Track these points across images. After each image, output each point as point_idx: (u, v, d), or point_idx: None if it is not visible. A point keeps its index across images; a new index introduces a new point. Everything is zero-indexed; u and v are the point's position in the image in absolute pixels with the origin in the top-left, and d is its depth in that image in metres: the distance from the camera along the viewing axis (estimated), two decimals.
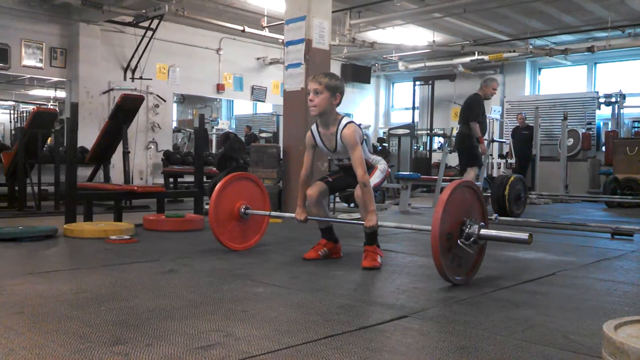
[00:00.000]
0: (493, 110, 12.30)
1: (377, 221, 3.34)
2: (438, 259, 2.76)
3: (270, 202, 6.02)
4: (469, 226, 2.91)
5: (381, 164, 3.60)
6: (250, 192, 4.03)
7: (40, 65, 10.36)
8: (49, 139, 8.24)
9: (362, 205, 3.39)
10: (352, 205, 8.11)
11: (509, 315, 2.36)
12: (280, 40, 10.61)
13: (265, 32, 11.37)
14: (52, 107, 16.04)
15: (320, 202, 3.63)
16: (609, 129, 12.49)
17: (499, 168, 11.23)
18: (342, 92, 3.45)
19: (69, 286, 2.77)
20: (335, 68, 14.20)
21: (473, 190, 3.07)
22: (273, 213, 4.10)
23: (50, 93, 17.00)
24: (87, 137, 8.64)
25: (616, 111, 12.52)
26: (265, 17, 10.91)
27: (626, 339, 1.45)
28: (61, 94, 14.15)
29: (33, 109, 9.86)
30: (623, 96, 12.41)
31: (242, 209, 3.91)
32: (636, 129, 12.64)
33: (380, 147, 12.34)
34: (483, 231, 2.93)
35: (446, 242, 2.82)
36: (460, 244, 2.88)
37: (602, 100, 12.62)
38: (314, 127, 3.54)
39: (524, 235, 2.90)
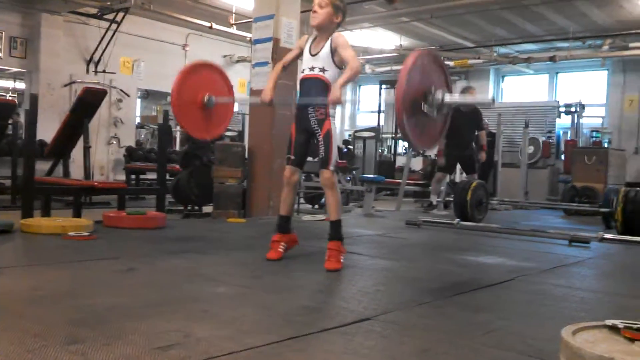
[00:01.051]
0: None
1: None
2: (402, 122, 2.81)
3: (233, 201, 5.98)
4: (433, 92, 2.96)
5: (333, 123, 3.49)
6: (213, 83, 4.04)
7: None
8: (6, 130, 8.01)
9: (329, 198, 3.47)
10: (316, 207, 8.13)
11: (469, 319, 2.39)
12: (248, 38, 10.55)
13: (233, 30, 11.29)
14: (10, 98, 15.62)
15: (296, 187, 3.63)
16: (569, 138, 12.77)
17: (461, 173, 11.38)
18: (344, 14, 3.56)
19: (25, 283, 2.69)
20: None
21: (437, 60, 3.12)
22: (238, 98, 4.16)
23: (9, 84, 16.53)
24: (47, 131, 8.42)
25: (575, 120, 12.82)
26: (234, 15, 10.84)
27: (583, 344, 1.48)
28: (21, 85, 13.78)
29: None
30: (582, 106, 12.71)
31: (206, 98, 3.91)
32: (594, 139, 12.96)
33: (345, 149, 12.39)
34: (447, 97, 2.97)
35: (410, 107, 2.86)
36: (425, 109, 2.92)
37: (562, 109, 12.91)
38: (310, 38, 3.59)
39: (487, 99, 3.02)
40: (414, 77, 2.88)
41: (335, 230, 3.48)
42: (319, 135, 3.48)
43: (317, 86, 3.47)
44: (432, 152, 14.14)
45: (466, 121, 7.77)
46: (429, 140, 3.09)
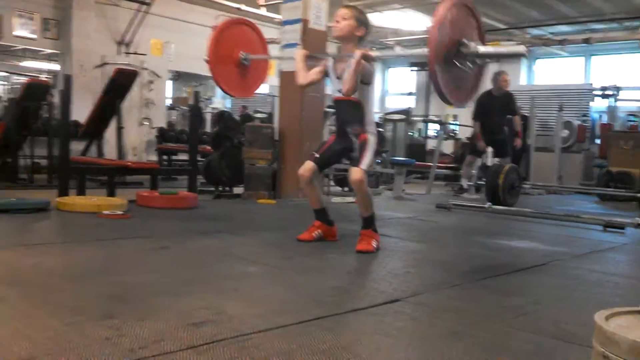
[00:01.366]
0: None
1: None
2: (435, 76, 2.74)
3: (264, 183, 6.02)
4: (466, 45, 2.87)
5: (373, 135, 3.46)
6: (249, 40, 4.04)
7: (33, 36, 10.22)
8: (41, 111, 8.17)
9: (358, 197, 3.42)
10: (346, 189, 8.12)
11: (500, 302, 2.37)
12: (277, 20, 10.52)
13: (262, 11, 11.25)
14: (45, 79, 15.89)
15: (313, 182, 3.57)
16: (604, 122, 12.50)
17: (493, 157, 11.24)
18: (367, 28, 3.49)
19: (61, 259, 2.75)
20: (331, 50, 14.12)
21: (470, 10, 3.01)
22: (273, 57, 4.18)
23: (43, 65, 16.80)
24: (80, 111, 8.55)
25: (611, 104, 12.53)
26: None
27: (617, 329, 1.45)
28: (55, 66, 13.99)
29: (26, 80, 9.76)
30: (618, 89, 12.41)
31: (242, 55, 3.91)
32: (631, 123, 12.65)
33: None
34: (481, 49, 2.88)
35: (443, 60, 2.79)
36: (457, 62, 2.86)
37: (597, 92, 12.61)
38: (331, 61, 3.53)
39: (521, 49, 2.90)
40: (445, 28, 2.78)
41: (367, 223, 3.46)
42: (356, 143, 3.44)
43: (350, 107, 3.45)
44: (465, 136, 14.02)
45: (498, 105, 7.75)
46: (464, 95, 2.98)
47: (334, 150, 3.58)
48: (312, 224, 3.66)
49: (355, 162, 3.38)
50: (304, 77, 3.56)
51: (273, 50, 12.54)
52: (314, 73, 3.57)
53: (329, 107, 6.63)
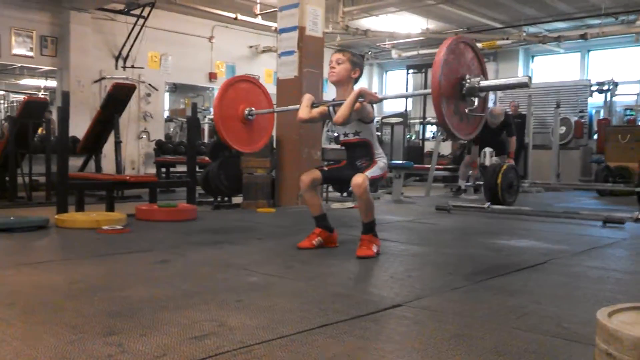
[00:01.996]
0: None
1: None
2: (440, 112, 2.83)
3: (262, 191, 6.01)
4: (469, 80, 2.98)
5: (382, 161, 3.57)
6: (253, 95, 4.11)
7: (30, 54, 10.27)
8: (40, 128, 8.18)
9: (360, 203, 3.45)
10: (345, 194, 8.12)
11: (502, 303, 2.37)
12: (273, 28, 10.55)
13: (258, 20, 11.29)
14: (42, 96, 15.91)
15: (313, 189, 3.64)
16: (601, 117, 12.51)
17: (491, 157, 11.24)
18: (362, 69, 3.59)
19: (62, 277, 2.75)
20: (328, 55, 14.14)
21: (470, 47, 3.11)
22: (277, 109, 4.38)
23: (41, 82, 16.84)
24: (79, 127, 8.58)
25: (608, 99, 12.54)
26: (258, 5, 10.84)
27: (620, 325, 1.45)
28: (52, 83, 14.02)
29: (24, 98, 9.78)
30: (615, 84, 12.43)
31: (247, 111, 3.97)
32: (628, 117, 12.66)
33: None
34: (483, 83, 2.98)
35: (447, 96, 2.89)
36: (462, 97, 2.97)
37: (594, 88, 12.63)
38: (331, 107, 3.59)
39: (523, 79, 2.99)
40: (449, 66, 2.87)
41: (367, 228, 3.49)
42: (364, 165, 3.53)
43: (359, 147, 3.56)
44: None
45: (495, 132, 8.03)
46: (470, 127, 3.08)
47: (342, 174, 3.62)
48: (312, 231, 3.68)
49: (362, 170, 3.45)
50: (307, 113, 3.64)
51: (270, 59, 12.52)
52: (316, 112, 3.66)
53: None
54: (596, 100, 12.72)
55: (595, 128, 12.44)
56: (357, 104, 3.36)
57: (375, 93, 3.50)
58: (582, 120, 12.46)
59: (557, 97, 12.00)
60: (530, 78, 2.99)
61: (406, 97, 13.51)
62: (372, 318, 2.11)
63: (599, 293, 2.58)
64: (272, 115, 4.37)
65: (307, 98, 3.69)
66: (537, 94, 12.09)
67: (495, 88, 3.17)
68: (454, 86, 2.94)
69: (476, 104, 3.04)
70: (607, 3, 11.23)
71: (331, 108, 3.56)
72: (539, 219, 5.38)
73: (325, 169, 3.68)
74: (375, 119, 3.68)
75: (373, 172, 3.46)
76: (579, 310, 2.26)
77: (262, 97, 4.19)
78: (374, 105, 3.53)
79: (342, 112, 3.33)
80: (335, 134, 3.67)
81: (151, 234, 4.26)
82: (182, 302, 2.29)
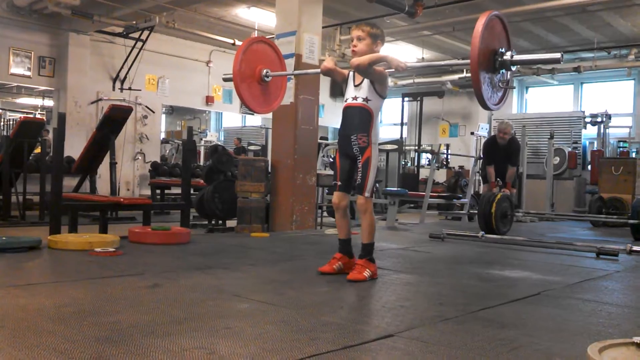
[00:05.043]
0: (480, 127, 12.35)
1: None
2: (477, 80, 2.98)
3: (257, 216, 6.01)
4: (503, 53, 3.12)
5: (374, 151, 3.55)
6: (268, 57, 4.12)
7: (28, 73, 10.32)
8: (36, 148, 8.19)
9: (364, 223, 3.51)
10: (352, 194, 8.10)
11: (494, 335, 2.36)
12: None
13: None
14: (39, 116, 15.96)
15: (346, 211, 3.69)
16: (595, 149, 12.60)
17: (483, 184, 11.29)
18: (383, 40, 3.61)
19: (51, 300, 2.73)
20: (325, 83, 14.24)
21: (500, 19, 3.21)
22: (295, 72, 4.65)
23: (37, 102, 16.90)
24: (74, 147, 8.60)
25: (602, 131, 12.64)
26: (256, 31, 10.94)
27: None
28: (49, 102, 14.07)
29: (20, 117, 9.81)
30: (609, 116, 12.55)
31: (264, 72, 3.98)
32: (621, 149, 12.76)
33: None
34: (516, 57, 3.14)
35: (484, 66, 3.04)
36: (495, 69, 3.12)
37: (588, 119, 12.75)
38: (352, 72, 3.62)
39: (555, 55, 3.10)
40: (486, 37, 3.02)
41: (366, 251, 3.52)
42: (359, 161, 3.54)
43: (361, 114, 3.54)
44: (458, 165, 14.00)
45: (502, 152, 8.21)
46: (498, 99, 3.25)
47: (346, 170, 3.64)
48: (333, 255, 3.68)
49: (360, 190, 3.51)
50: (333, 63, 3.66)
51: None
52: (339, 69, 3.70)
53: (321, 138, 6.69)
54: (590, 131, 12.83)
55: (589, 159, 12.52)
56: (381, 68, 3.40)
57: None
58: (576, 151, 12.55)
59: (551, 127, 12.09)
60: (562, 54, 3.13)
61: (435, 66, 13.67)
62: (363, 348, 2.10)
63: (591, 327, 2.58)
64: (284, 78, 4.35)
65: (330, 58, 3.74)
66: (531, 124, 12.18)
67: (527, 62, 3.44)
68: (488, 58, 3.09)
69: (508, 76, 3.22)
70: (599, 37, 11.40)
71: (351, 73, 3.60)
72: (533, 249, 5.38)
73: (339, 183, 3.65)
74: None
75: (370, 185, 3.51)
76: (571, 344, 2.25)
77: (277, 59, 4.21)
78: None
79: (363, 58, 3.37)
80: (345, 99, 3.64)
81: (143, 257, 4.23)
82: (172, 328, 2.27)
